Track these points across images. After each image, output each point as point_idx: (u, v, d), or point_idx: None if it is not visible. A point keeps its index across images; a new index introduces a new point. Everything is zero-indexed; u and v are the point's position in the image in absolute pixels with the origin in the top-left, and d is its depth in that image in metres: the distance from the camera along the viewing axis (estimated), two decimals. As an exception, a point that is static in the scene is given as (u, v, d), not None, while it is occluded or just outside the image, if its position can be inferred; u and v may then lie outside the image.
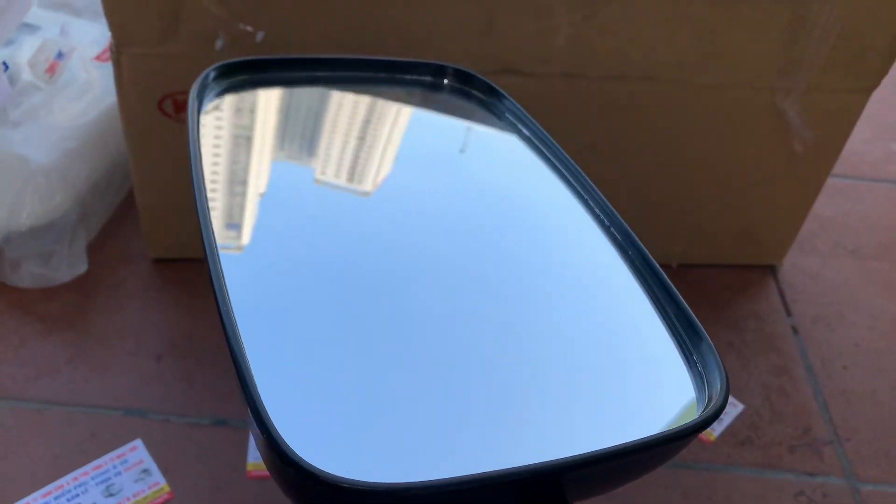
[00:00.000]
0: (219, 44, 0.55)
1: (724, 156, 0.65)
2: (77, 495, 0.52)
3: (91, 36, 0.75)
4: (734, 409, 0.62)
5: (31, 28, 0.73)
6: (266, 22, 0.54)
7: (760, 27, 0.57)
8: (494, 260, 0.42)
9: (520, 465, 0.29)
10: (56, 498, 0.51)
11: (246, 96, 0.48)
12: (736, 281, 0.74)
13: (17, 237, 0.62)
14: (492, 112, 0.51)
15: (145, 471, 0.54)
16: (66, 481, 0.52)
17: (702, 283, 0.73)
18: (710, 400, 0.34)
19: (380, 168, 0.47)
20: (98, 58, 0.73)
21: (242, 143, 0.46)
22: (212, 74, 0.46)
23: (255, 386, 0.29)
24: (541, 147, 0.48)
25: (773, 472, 0.59)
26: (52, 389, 0.58)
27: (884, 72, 0.62)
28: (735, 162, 0.66)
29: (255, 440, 0.32)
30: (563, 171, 0.46)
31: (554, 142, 0.47)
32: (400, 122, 0.51)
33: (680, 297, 0.39)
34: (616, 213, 0.43)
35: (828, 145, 0.66)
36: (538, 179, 0.47)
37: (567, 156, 0.46)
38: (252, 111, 0.48)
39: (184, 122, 0.58)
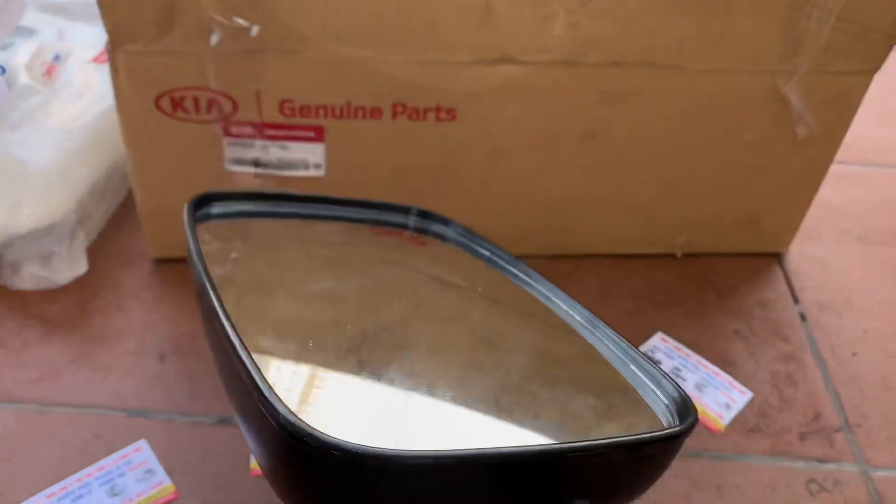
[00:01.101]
0: (214, 39, 0.55)
1: (727, 142, 0.65)
2: (81, 496, 0.51)
3: (87, 39, 0.74)
4: (743, 396, 0.62)
5: (27, 31, 0.73)
6: (261, 15, 0.54)
7: (760, 9, 0.57)
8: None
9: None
10: (60, 499, 0.51)
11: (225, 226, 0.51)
12: (742, 269, 0.74)
13: (17, 240, 0.61)
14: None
15: (149, 471, 0.53)
16: (70, 482, 0.52)
17: (707, 271, 0.73)
18: (682, 414, 0.37)
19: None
20: (95, 60, 0.73)
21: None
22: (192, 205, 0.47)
23: (265, 379, 0.30)
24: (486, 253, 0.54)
25: (784, 459, 0.58)
26: (55, 391, 0.58)
27: (886, 53, 0.61)
28: (738, 148, 0.65)
29: (258, 436, 0.31)
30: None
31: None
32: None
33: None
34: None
35: (831, 129, 0.66)
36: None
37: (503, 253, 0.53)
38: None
39: (181, 119, 0.58)
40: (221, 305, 0.35)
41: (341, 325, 0.44)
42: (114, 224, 0.71)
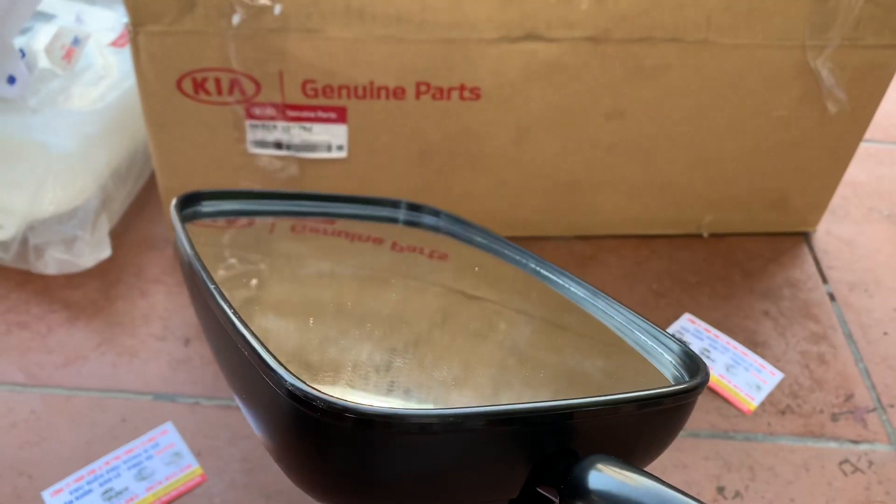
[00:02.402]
0: (236, 19, 0.54)
1: (755, 119, 0.64)
2: (109, 479, 0.51)
3: (106, 23, 0.74)
4: (773, 377, 0.61)
5: (45, 16, 0.73)
6: (283, -6, 0.53)
7: (792, -19, 0.56)
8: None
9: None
10: (89, 482, 0.51)
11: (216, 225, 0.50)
12: (769, 249, 0.72)
13: (40, 224, 0.61)
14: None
15: (177, 454, 0.53)
16: (98, 465, 0.52)
17: (734, 252, 0.72)
18: (692, 372, 0.37)
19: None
20: (114, 44, 0.73)
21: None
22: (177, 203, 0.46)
23: (267, 349, 0.30)
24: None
25: (816, 440, 0.57)
26: (81, 376, 0.58)
27: (919, 26, 0.60)
28: (766, 125, 0.64)
29: (263, 411, 0.31)
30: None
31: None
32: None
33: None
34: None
35: (862, 105, 0.64)
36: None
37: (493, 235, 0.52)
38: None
39: (203, 101, 0.58)
40: (212, 280, 0.34)
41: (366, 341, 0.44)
42: (136, 208, 0.71)
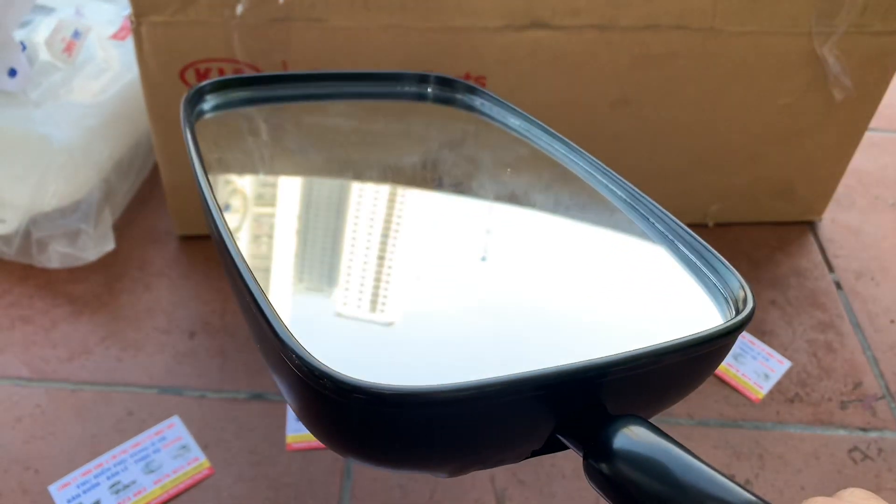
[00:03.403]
0: (240, 9, 0.53)
1: (761, 107, 0.63)
2: (117, 473, 0.51)
3: (106, 16, 0.74)
4: (781, 366, 0.61)
5: (45, 10, 0.72)
6: (287, -17, 0.53)
7: (799, -33, 0.55)
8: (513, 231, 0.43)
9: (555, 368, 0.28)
10: (96, 476, 0.51)
11: (231, 115, 0.46)
12: (775, 238, 0.72)
13: (43, 218, 0.61)
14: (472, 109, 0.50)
15: (184, 447, 0.53)
16: (106, 459, 0.52)
17: (740, 241, 0.72)
18: (737, 308, 0.33)
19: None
20: (115, 37, 0.72)
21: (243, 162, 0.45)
22: (194, 93, 0.44)
23: (279, 319, 0.29)
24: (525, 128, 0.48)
25: (825, 428, 0.57)
26: (86, 370, 0.57)
27: (926, 11, 0.59)
28: (772, 113, 0.64)
29: (280, 374, 0.30)
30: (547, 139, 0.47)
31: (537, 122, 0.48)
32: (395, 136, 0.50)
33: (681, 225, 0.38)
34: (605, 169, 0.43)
35: (868, 92, 0.64)
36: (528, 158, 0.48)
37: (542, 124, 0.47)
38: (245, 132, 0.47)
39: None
40: (236, 247, 0.32)
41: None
42: (138, 202, 0.70)
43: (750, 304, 0.32)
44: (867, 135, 0.69)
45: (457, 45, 0.56)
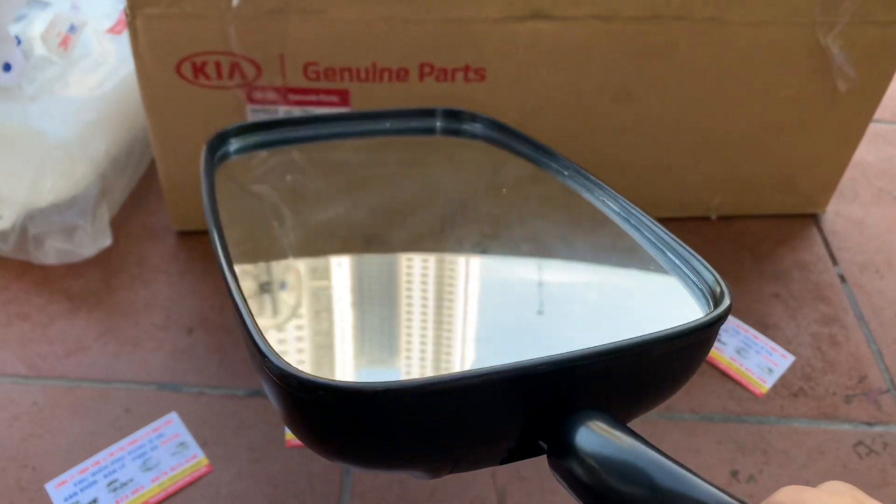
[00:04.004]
0: (235, 0, 0.53)
1: (764, 98, 0.63)
2: (114, 471, 0.50)
3: (102, 10, 0.73)
4: (785, 360, 0.60)
5: (41, 4, 0.71)
6: (284, -26, 0.52)
7: (802, -45, 0.54)
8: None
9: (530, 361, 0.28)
10: (93, 474, 0.50)
11: (254, 157, 0.48)
12: (778, 231, 0.72)
13: (39, 213, 0.60)
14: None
15: (182, 444, 0.52)
16: (103, 457, 0.51)
17: (743, 234, 0.71)
18: (715, 302, 0.33)
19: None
20: (111, 31, 0.71)
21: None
22: (216, 138, 0.45)
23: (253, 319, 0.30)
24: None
25: (830, 422, 0.56)
26: (83, 367, 0.57)
27: (931, 1, 0.59)
28: (776, 104, 0.63)
29: (261, 377, 0.31)
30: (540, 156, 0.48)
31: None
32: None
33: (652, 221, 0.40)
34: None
35: (872, 83, 0.63)
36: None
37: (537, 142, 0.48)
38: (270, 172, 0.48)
39: (203, 86, 0.57)
40: (226, 251, 0.34)
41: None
42: (136, 198, 0.70)
43: (726, 301, 0.32)
44: (871, 126, 0.68)
45: (456, 36, 0.56)
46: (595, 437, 0.28)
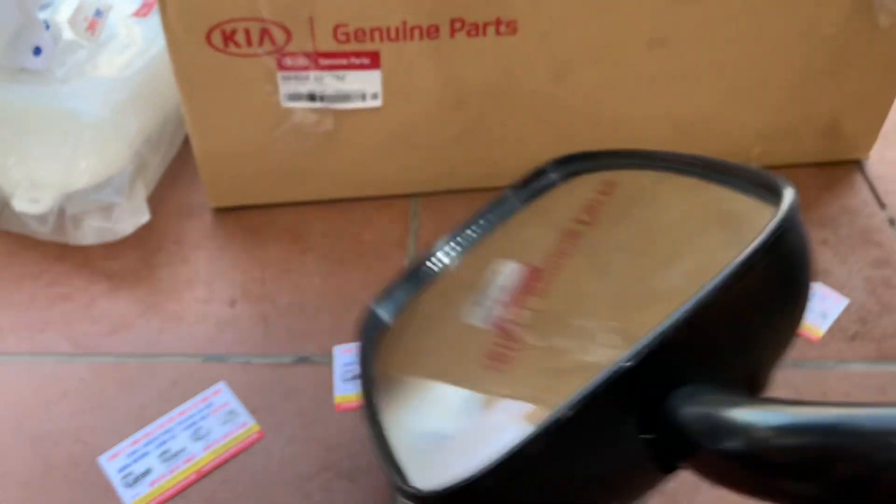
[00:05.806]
0: (263, -37, 0.52)
1: (803, 39, 0.61)
2: (165, 441, 0.50)
3: (126, -6, 0.73)
4: (838, 304, 0.58)
5: (66, -9, 0.72)
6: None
7: None
8: None
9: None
10: (145, 445, 0.50)
11: None
12: (822, 179, 0.70)
13: (76, 194, 0.60)
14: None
15: (232, 412, 0.52)
16: (153, 428, 0.51)
17: (785, 184, 0.69)
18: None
19: None
20: (136, 14, 0.71)
21: None
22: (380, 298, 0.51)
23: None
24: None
25: (890, 363, 0.55)
26: (128, 343, 0.56)
27: (974, -75, 0.57)
28: (815, 45, 0.62)
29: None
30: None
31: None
32: None
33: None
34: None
35: (914, 17, 0.61)
36: None
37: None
38: None
39: (233, 54, 0.56)
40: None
41: None
42: (170, 177, 0.69)
43: (790, 194, 0.30)
44: (913, 67, 0.66)
45: (486, -11, 0.55)
46: (700, 412, 0.26)
